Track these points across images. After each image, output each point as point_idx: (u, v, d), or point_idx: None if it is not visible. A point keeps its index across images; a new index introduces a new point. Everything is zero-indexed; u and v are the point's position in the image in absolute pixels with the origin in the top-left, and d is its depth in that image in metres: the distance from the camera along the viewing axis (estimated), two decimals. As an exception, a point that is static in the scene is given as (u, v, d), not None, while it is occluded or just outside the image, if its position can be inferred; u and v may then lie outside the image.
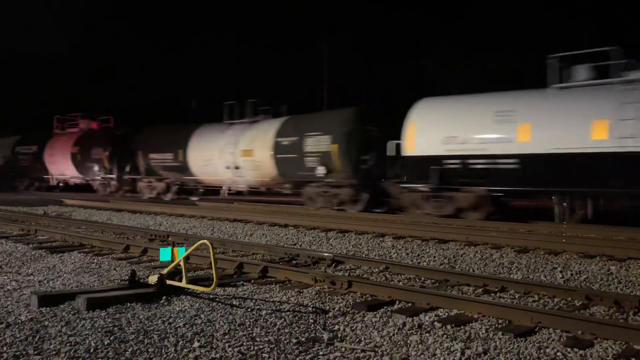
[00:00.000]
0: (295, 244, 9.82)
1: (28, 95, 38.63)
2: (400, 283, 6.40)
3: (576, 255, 8.46)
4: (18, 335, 4.26)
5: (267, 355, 3.90)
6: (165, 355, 3.87)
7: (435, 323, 4.71)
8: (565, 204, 12.42)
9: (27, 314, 4.88)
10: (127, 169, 24.38)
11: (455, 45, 31.14)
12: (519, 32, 29.91)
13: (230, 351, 3.97)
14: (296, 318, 4.85)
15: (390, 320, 4.83)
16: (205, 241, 5.48)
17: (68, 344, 4.06)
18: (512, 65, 28.46)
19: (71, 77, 40.12)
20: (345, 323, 4.73)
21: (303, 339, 4.26)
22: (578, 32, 26.93)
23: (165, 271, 5.67)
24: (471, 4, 32.84)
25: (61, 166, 27.70)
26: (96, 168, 25.42)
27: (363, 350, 4.02)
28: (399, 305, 5.31)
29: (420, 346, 4.13)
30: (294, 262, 7.72)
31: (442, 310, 5.11)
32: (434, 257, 8.41)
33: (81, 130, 28.00)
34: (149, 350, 3.97)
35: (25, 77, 38.89)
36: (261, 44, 39.79)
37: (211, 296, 5.57)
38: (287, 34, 38.96)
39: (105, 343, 4.09)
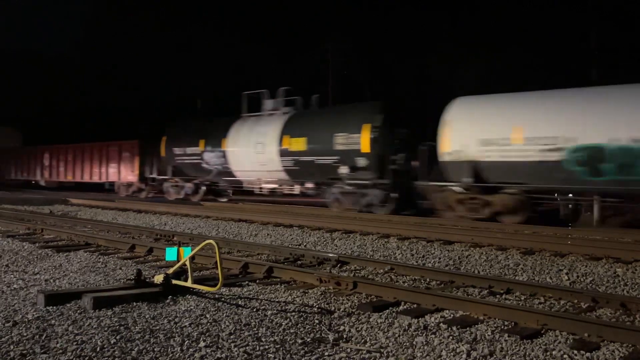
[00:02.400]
0: (300, 245, 9.82)
1: (31, 95, 38.81)
2: (406, 284, 6.39)
3: (582, 257, 8.43)
4: (25, 334, 4.28)
5: (273, 356, 3.90)
6: (171, 355, 3.88)
7: (441, 324, 4.70)
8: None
9: (34, 313, 4.90)
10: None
11: (459, 44, 31.06)
12: (522, 31, 29.79)
13: (236, 351, 3.97)
14: (301, 318, 4.85)
15: (395, 321, 4.82)
16: (210, 241, 5.49)
17: (74, 343, 4.07)
18: (515, 65, 28.36)
19: (76, 77, 40.28)
20: (351, 324, 4.73)
21: (308, 340, 4.26)
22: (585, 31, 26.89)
23: (170, 271, 5.68)
24: (473, 3, 32.77)
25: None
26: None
27: (368, 351, 4.01)
28: (405, 307, 5.30)
29: (425, 347, 4.13)
30: (299, 262, 7.72)
31: (447, 311, 5.10)
32: (439, 258, 8.40)
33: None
34: (155, 349, 3.98)
35: (30, 76, 39.08)
36: (264, 43, 39.83)
37: (217, 296, 5.58)
38: (291, 33, 38.99)
39: (112, 342, 4.10)
